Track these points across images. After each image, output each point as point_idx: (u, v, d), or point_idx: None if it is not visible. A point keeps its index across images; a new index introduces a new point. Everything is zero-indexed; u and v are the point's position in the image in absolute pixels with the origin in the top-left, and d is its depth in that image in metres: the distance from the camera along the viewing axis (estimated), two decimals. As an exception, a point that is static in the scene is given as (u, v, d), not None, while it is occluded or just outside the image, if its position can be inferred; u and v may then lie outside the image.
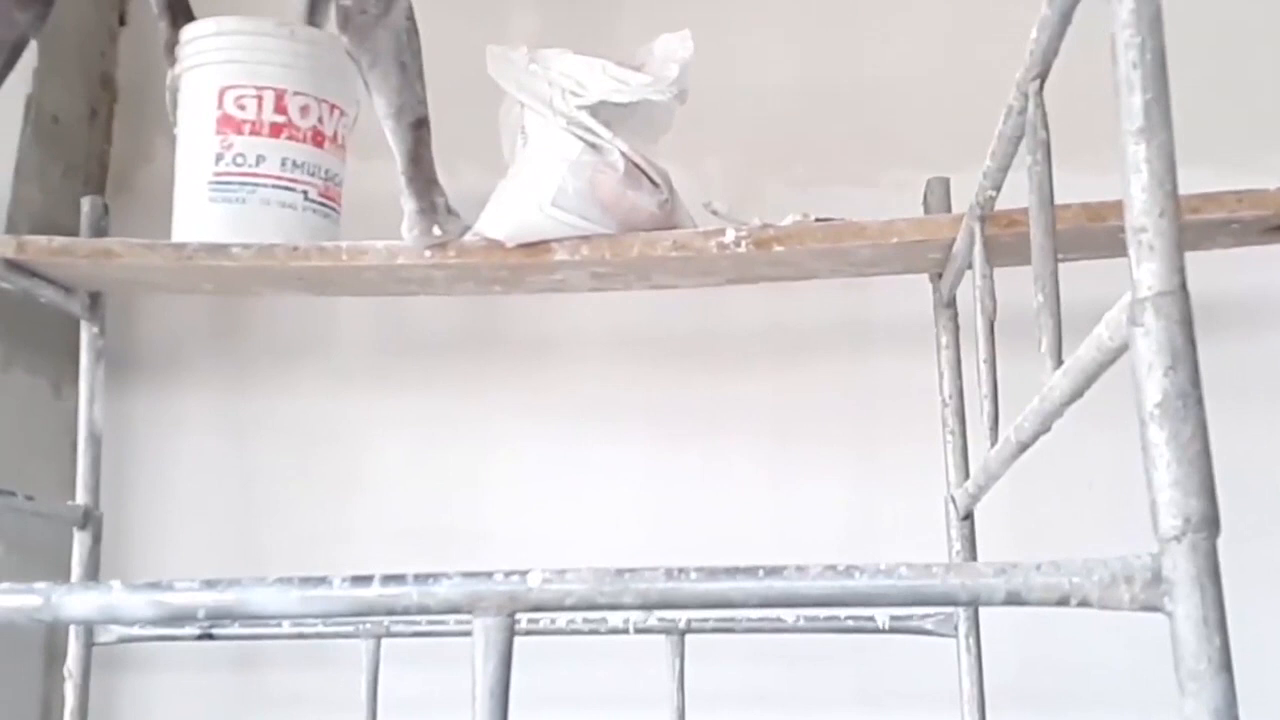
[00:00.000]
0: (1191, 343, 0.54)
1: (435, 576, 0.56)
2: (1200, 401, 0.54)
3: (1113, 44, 0.57)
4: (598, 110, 1.15)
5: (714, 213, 1.22)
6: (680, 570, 0.57)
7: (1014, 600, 0.54)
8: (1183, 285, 0.54)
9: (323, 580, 0.57)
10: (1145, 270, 0.55)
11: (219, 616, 0.57)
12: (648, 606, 0.56)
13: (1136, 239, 0.55)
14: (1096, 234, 1.09)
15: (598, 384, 1.53)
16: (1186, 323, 0.54)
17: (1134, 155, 0.55)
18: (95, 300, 1.36)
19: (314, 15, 1.31)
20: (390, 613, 0.57)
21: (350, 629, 1.31)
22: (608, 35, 1.54)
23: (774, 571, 0.56)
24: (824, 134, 1.56)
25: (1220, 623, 0.52)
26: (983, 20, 1.50)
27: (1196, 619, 0.52)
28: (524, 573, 0.56)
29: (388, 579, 0.56)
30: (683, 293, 1.35)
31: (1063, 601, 0.54)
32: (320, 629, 1.30)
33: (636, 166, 1.16)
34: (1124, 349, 0.57)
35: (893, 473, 1.47)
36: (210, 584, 0.57)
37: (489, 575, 0.56)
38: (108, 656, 1.37)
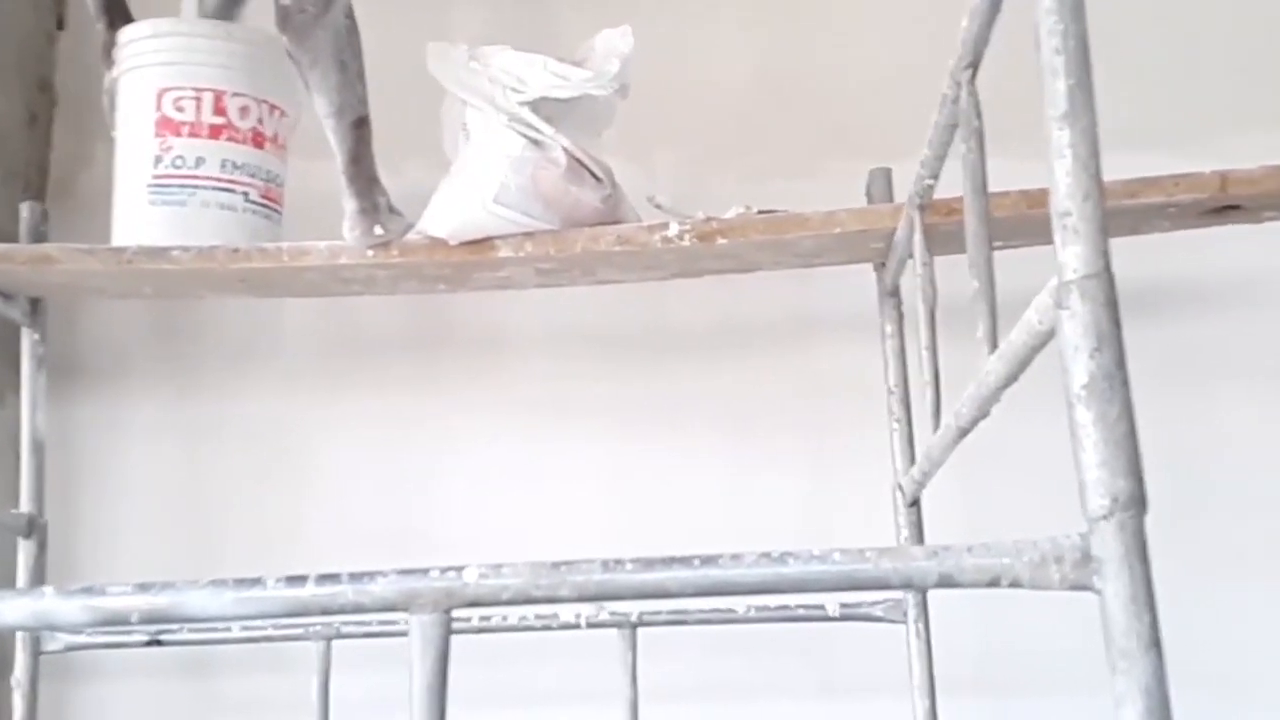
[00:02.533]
0: (1117, 324, 0.55)
1: (370, 575, 0.56)
2: (1126, 382, 0.54)
3: (1036, 30, 0.57)
4: (539, 106, 1.15)
5: (657, 206, 1.22)
6: (616, 562, 0.57)
7: (946, 583, 0.55)
8: (1107, 268, 0.55)
9: (256, 581, 0.56)
10: (1070, 254, 0.55)
11: (153, 620, 0.57)
12: (585, 599, 0.57)
13: (1061, 223, 0.56)
14: (1037, 220, 1.10)
15: (551, 380, 1.53)
16: (1112, 304, 0.55)
17: (1058, 140, 0.56)
18: (36, 306, 1.34)
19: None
20: (325, 612, 0.56)
21: (300, 631, 1.30)
22: (552, 32, 1.54)
23: (710, 560, 0.56)
24: (770, 126, 1.56)
25: (1149, 601, 0.53)
26: (926, 11, 1.51)
27: (1125, 597, 0.53)
28: (460, 569, 0.56)
29: (323, 578, 0.56)
30: (631, 287, 1.35)
31: (994, 583, 0.55)
32: (269, 632, 1.30)
33: (579, 162, 1.16)
34: (1053, 332, 0.57)
35: (846, 461, 1.47)
36: (143, 587, 0.57)
37: (425, 572, 0.56)
38: (56, 665, 1.36)
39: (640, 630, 1.28)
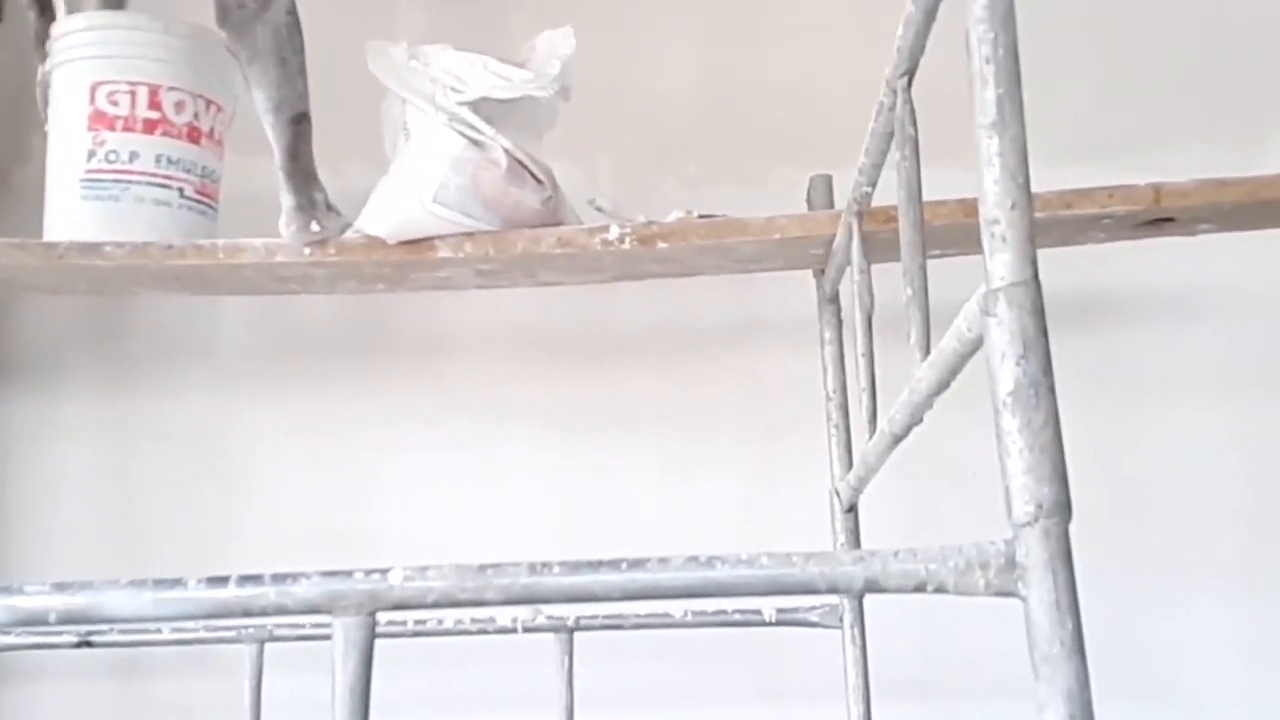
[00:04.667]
0: (1043, 332, 0.55)
1: (294, 576, 0.55)
2: (1052, 390, 0.54)
3: (967, 39, 0.57)
4: (479, 107, 1.14)
5: (598, 209, 1.22)
6: (543, 565, 0.56)
7: (872, 588, 0.55)
8: (1034, 276, 0.55)
9: (177, 582, 0.55)
10: (998, 261, 0.56)
11: (71, 620, 0.56)
12: (510, 602, 0.56)
13: (989, 231, 0.56)
14: (975, 229, 1.10)
15: (491, 382, 1.53)
16: (1038, 312, 0.55)
17: (987, 149, 0.56)
18: (-33, 302, 1.32)
19: None
20: (247, 614, 0.56)
21: (232, 634, 1.29)
22: (495, 31, 1.53)
23: (637, 564, 0.56)
24: (713, 132, 1.57)
25: (1073, 607, 0.53)
26: (870, 21, 1.51)
27: (1049, 603, 0.53)
28: (384, 571, 0.56)
29: (245, 579, 0.55)
30: (572, 290, 1.35)
31: (920, 588, 0.55)
32: (201, 634, 1.28)
33: (519, 163, 1.15)
34: (981, 340, 0.58)
35: (786, 466, 1.48)
36: (61, 587, 0.56)
37: (349, 574, 0.56)
38: (-16, 667, 1.34)
39: (577, 634, 1.27)
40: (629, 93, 1.55)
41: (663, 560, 0.56)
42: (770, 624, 1.26)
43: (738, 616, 1.26)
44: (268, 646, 1.30)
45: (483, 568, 0.56)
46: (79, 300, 1.50)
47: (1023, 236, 0.55)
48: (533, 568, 0.56)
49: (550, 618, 1.27)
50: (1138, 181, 1.13)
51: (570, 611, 1.27)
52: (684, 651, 1.40)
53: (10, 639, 1.28)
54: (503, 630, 1.27)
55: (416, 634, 1.25)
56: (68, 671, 1.45)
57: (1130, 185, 1.12)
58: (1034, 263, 0.56)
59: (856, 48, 1.52)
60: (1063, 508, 0.54)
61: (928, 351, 0.74)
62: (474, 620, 1.27)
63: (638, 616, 1.27)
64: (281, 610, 0.55)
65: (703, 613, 1.26)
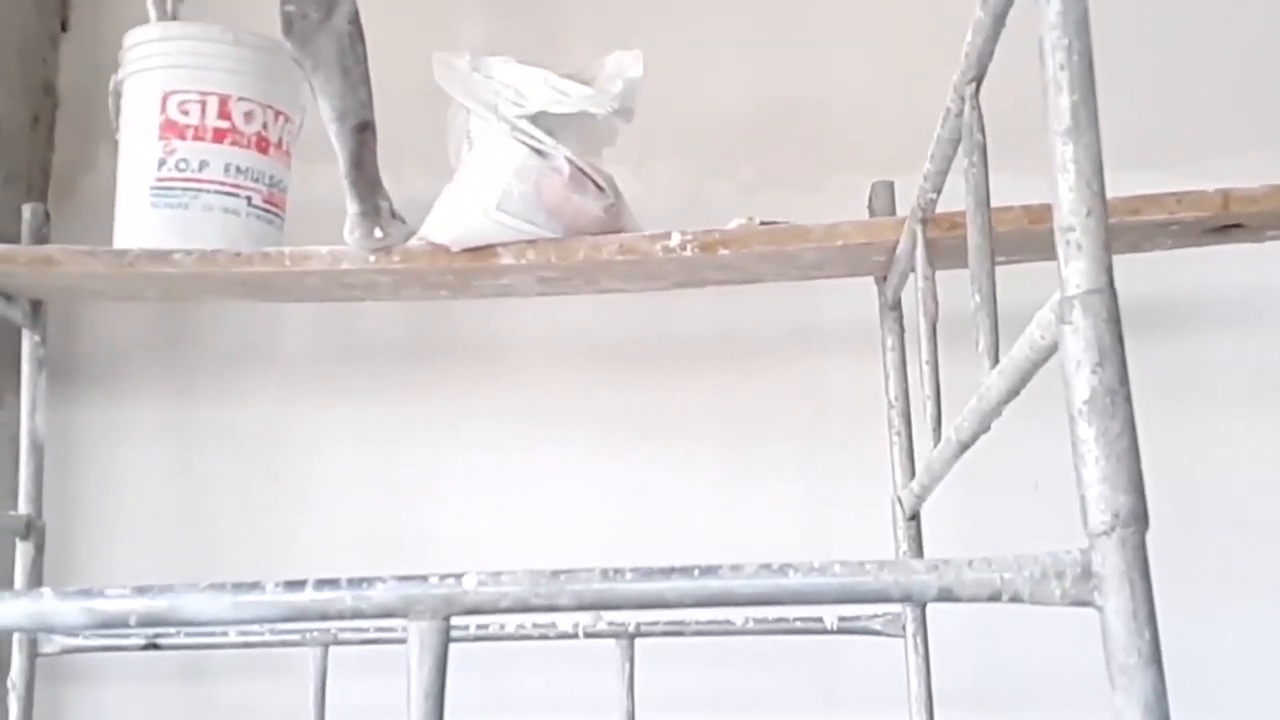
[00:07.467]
0: (1119, 340, 0.54)
1: (370, 580, 0.56)
2: (1128, 398, 0.54)
3: (1040, 46, 0.57)
4: (539, 120, 1.15)
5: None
6: (616, 571, 0.57)
7: (946, 596, 0.55)
8: (1110, 283, 0.55)
9: (255, 585, 0.56)
10: (1073, 269, 0.55)
11: (151, 623, 0.57)
12: (584, 608, 0.56)
13: (1065, 238, 0.56)
14: (1038, 236, 1.10)
15: (551, 388, 1.53)
16: (1114, 320, 0.55)
17: (1061, 156, 0.56)
18: (36, 308, 1.35)
19: None
20: (324, 617, 0.56)
21: (297, 637, 1.30)
22: (553, 42, 1.54)
23: (709, 571, 0.56)
24: (774, 139, 1.56)
25: (1150, 617, 0.53)
26: (928, 25, 1.51)
27: (1126, 613, 0.52)
28: (459, 575, 0.56)
29: (322, 583, 0.56)
30: (633, 297, 1.35)
31: (994, 597, 0.55)
32: (266, 637, 1.29)
33: (582, 171, 1.16)
34: (1055, 347, 0.57)
35: (844, 474, 1.47)
36: (142, 590, 0.56)
37: (424, 579, 0.56)
38: (52, 667, 1.36)
39: (638, 641, 1.28)
40: (687, 99, 1.54)
41: (735, 567, 0.56)
42: (832, 632, 1.25)
43: (799, 624, 1.26)
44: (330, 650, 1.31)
45: (556, 573, 0.57)
46: (145, 307, 1.53)
47: (1098, 244, 0.55)
48: (605, 574, 0.57)
49: (611, 623, 1.27)
50: (1202, 187, 1.12)
51: (631, 617, 1.27)
52: (743, 658, 1.39)
53: (79, 640, 1.30)
54: (564, 635, 1.27)
55: (479, 638, 1.25)
56: (133, 673, 1.46)
57: (1199, 191, 1.11)
58: (1109, 270, 0.55)
59: (913, 52, 1.52)
60: (1139, 517, 0.53)
61: (996, 359, 0.74)
62: (535, 625, 1.28)
63: (699, 623, 1.27)
64: (358, 614, 0.56)
65: (764, 620, 1.26)
